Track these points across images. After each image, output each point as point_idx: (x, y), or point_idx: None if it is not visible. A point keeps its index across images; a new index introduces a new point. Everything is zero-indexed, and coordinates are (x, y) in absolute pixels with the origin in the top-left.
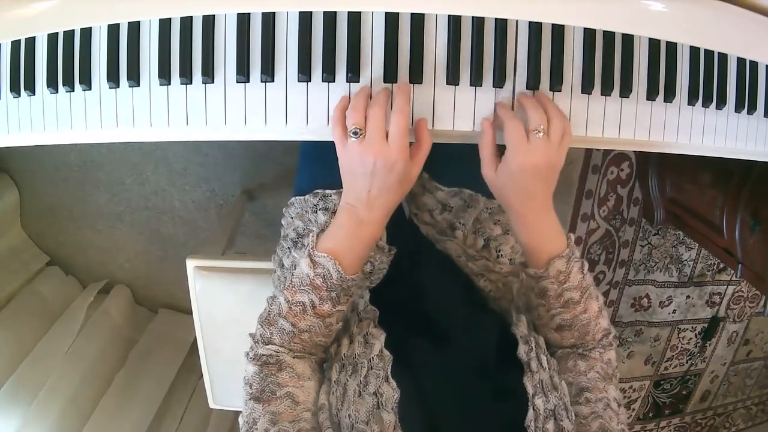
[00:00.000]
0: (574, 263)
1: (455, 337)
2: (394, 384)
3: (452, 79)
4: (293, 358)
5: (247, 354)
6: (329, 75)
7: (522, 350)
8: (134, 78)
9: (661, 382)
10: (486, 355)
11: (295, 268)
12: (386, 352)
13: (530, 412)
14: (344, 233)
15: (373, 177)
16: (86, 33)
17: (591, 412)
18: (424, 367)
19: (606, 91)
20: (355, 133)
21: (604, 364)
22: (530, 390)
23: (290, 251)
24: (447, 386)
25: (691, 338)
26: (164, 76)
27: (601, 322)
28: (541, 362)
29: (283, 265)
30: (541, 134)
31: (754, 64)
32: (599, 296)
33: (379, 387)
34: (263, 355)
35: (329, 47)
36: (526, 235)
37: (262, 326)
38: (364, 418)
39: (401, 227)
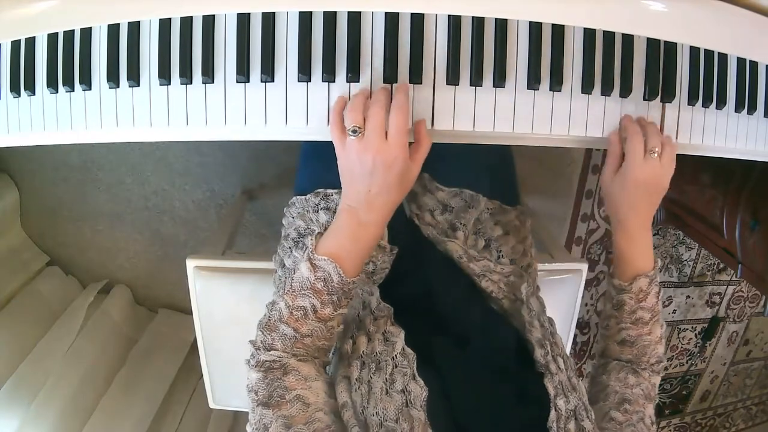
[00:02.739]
0: (654, 286)
1: (474, 336)
2: (422, 382)
3: (452, 79)
4: (297, 361)
5: (249, 361)
6: (329, 75)
7: (539, 354)
8: (134, 78)
9: (661, 382)
10: (505, 356)
11: (294, 272)
12: (409, 350)
13: (552, 413)
14: (344, 235)
15: (372, 176)
16: (86, 33)
17: (626, 420)
18: (447, 366)
19: (606, 91)
20: (354, 132)
21: (650, 385)
22: (552, 391)
23: (291, 251)
24: (468, 386)
25: (691, 338)
26: (164, 76)
27: (659, 348)
28: (559, 364)
29: (284, 265)
30: (656, 155)
31: (754, 64)
32: (664, 325)
33: (407, 385)
34: (266, 361)
35: (329, 47)
36: (624, 246)
37: (262, 332)
38: (393, 416)
39: (402, 227)
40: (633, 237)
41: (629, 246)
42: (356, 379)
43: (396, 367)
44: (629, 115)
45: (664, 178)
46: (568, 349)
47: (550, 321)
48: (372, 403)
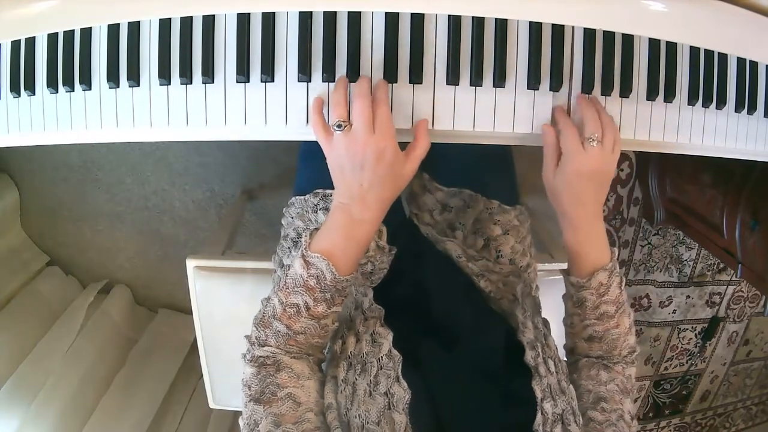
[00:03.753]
0: (615, 277)
1: (464, 338)
2: (405, 385)
3: (452, 79)
4: (291, 358)
5: (244, 356)
6: (329, 75)
7: (529, 355)
8: (134, 78)
9: (661, 382)
10: (494, 358)
11: (289, 269)
12: (395, 352)
13: (539, 416)
14: (338, 233)
15: (363, 169)
16: (86, 33)
17: (605, 419)
18: (433, 368)
19: (606, 91)
20: (339, 126)
21: (624, 378)
22: (539, 394)
23: (290, 251)
24: (455, 388)
25: (691, 338)
26: (164, 76)
27: (629, 339)
28: (549, 367)
29: (283, 264)
30: (596, 142)
31: (754, 64)
32: (631, 313)
33: (390, 387)
34: (260, 356)
35: (329, 47)
36: (575, 242)
37: (256, 328)
38: (375, 418)
39: (401, 227)
40: (584, 232)
41: (581, 242)
42: (342, 381)
43: (381, 369)
44: (560, 106)
45: (608, 165)
46: None
47: (545, 323)
48: (355, 405)
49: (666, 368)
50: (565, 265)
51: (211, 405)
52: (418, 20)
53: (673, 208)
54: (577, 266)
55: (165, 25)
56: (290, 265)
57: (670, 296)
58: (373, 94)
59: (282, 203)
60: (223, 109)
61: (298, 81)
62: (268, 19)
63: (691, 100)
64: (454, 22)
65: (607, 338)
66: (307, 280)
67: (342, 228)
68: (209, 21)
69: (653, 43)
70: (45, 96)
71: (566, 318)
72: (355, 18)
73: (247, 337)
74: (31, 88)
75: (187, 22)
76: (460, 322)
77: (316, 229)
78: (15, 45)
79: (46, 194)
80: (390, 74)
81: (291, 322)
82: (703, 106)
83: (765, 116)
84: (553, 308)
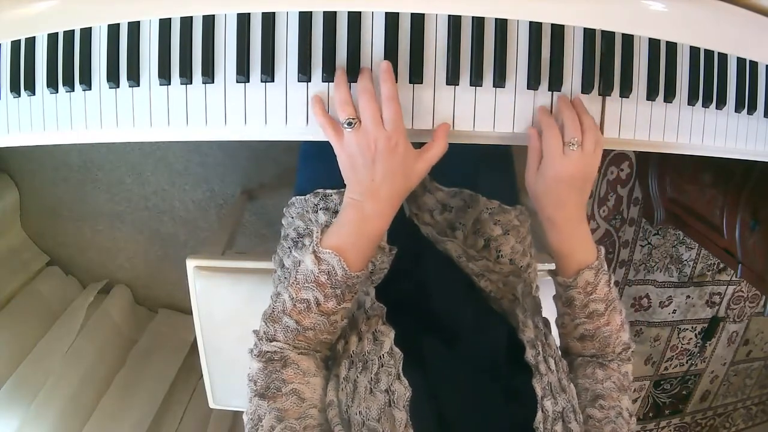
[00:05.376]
0: (602, 275)
1: (465, 337)
2: (406, 382)
3: (452, 79)
4: (298, 354)
5: (251, 351)
6: (329, 75)
7: (530, 354)
8: (134, 78)
9: (661, 382)
10: (495, 356)
11: (299, 265)
12: (396, 350)
13: (539, 414)
14: (349, 229)
15: (375, 163)
16: (86, 33)
17: (604, 416)
18: (434, 366)
19: (606, 91)
20: (350, 124)
21: (621, 376)
22: (539, 392)
23: (291, 251)
24: (456, 386)
25: (691, 338)
26: (164, 76)
27: (622, 336)
28: (549, 365)
29: (283, 265)
30: (575, 146)
31: (754, 64)
32: (622, 311)
33: (391, 385)
34: (267, 351)
35: (329, 47)
36: (558, 244)
37: (266, 323)
38: (376, 415)
39: (402, 227)
40: (567, 234)
41: (565, 244)
42: (344, 378)
43: (382, 366)
44: (544, 106)
45: (588, 168)
46: None
47: (545, 322)
48: (356, 402)
49: (666, 368)
50: (554, 266)
51: (211, 405)
52: (418, 20)
53: (673, 208)
54: (562, 266)
55: (165, 25)
56: (301, 260)
57: (670, 296)
58: (382, 89)
59: (282, 203)
60: (223, 109)
61: (298, 81)
62: (268, 19)
63: (691, 100)
64: (454, 22)
65: (599, 336)
66: (318, 276)
67: (353, 224)
68: (209, 21)
69: (653, 43)
70: (45, 96)
71: (558, 318)
72: (355, 18)
73: (255, 332)
74: (31, 88)
75: (187, 22)
76: (461, 321)
77: (327, 226)
78: (15, 45)
79: (46, 194)
80: None
81: (301, 318)
82: (703, 106)
83: (765, 116)
84: (553, 308)
